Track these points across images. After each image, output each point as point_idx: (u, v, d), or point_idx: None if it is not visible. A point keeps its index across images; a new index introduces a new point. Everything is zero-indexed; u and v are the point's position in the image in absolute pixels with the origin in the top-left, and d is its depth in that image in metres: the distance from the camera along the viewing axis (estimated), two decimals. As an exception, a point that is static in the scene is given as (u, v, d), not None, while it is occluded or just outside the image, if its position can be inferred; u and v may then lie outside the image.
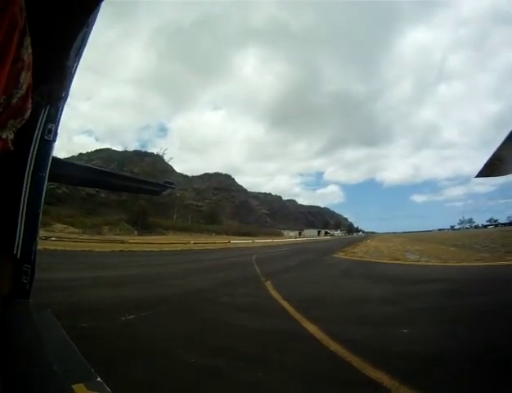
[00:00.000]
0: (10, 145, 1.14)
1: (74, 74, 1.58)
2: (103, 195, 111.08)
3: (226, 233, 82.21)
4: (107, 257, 17.05)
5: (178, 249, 27.12)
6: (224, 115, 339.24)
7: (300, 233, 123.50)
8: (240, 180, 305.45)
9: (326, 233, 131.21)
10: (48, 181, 1.91)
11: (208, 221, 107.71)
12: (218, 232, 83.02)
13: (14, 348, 1.21)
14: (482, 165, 6.07)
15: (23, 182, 1.71)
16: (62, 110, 1.83)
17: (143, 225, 63.88)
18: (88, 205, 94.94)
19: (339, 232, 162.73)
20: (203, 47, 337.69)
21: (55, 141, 1.83)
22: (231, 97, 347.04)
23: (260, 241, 53.73)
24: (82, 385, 1.10)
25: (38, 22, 1.20)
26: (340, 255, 18.66)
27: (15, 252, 1.69)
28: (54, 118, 1.79)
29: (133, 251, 21.23)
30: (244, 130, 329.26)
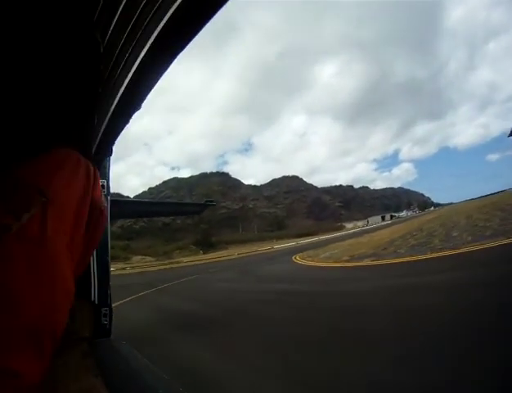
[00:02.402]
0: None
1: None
2: (178, 221, 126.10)
3: (287, 237, 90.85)
4: (146, 274, 27.84)
5: (209, 261, 37.05)
6: (304, 122, 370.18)
7: (368, 222, 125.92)
8: (316, 178, 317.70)
9: (392, 217, 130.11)
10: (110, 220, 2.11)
11: (274, 227, 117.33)
12: (280, 237, 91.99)
13: (119, 380, 1.29)
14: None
15: None
16: (110, 164, 2.01)
17: (207, 244, 76.08)
18: (165, 234, 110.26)
19: (404, 213, 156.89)
20: (284, 69, 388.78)
21: (109, 194, 2.02)
22: (311, 105, 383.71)
23: (308, 241, 61.31)
24: None
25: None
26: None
27: (93, 299, 1.92)
28: (104, 174, 1.97)
29: (172, 268, 32.04)
30: (323, 132, 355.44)
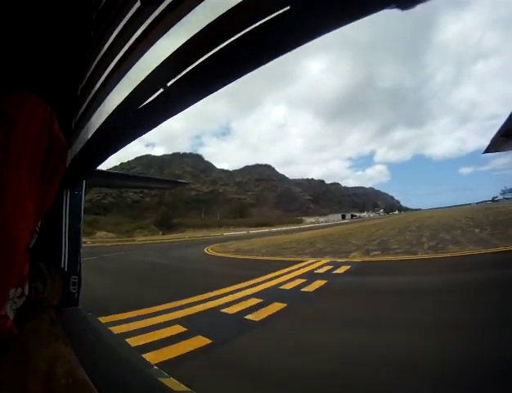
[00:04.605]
0: (13, 327, 1.05)
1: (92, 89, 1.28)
2: (147, 199, 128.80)
3: (246, 225, 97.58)
4: (100, 247, 33.25)
5: (156, 242, 43.34)
6: (284, 114, 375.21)
7: (328, 219, 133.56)
8: (289, 170, 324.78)
9: (352, 216, 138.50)
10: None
11: (236, 215, 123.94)
12: (239, 225, 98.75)
13: (87, 348, 1.30)
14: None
15: (63, 204, 1.92)
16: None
17: (167, 225, 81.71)
18: (134, 211, 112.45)
19: (365, 213, 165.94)
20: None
21: None
22: (293, 97, 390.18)
23: (259, 231, 68.06)
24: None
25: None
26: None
27: (62, 266, 1.91)
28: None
29: (123, 244, 38.04)
30: (302, 125, 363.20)
